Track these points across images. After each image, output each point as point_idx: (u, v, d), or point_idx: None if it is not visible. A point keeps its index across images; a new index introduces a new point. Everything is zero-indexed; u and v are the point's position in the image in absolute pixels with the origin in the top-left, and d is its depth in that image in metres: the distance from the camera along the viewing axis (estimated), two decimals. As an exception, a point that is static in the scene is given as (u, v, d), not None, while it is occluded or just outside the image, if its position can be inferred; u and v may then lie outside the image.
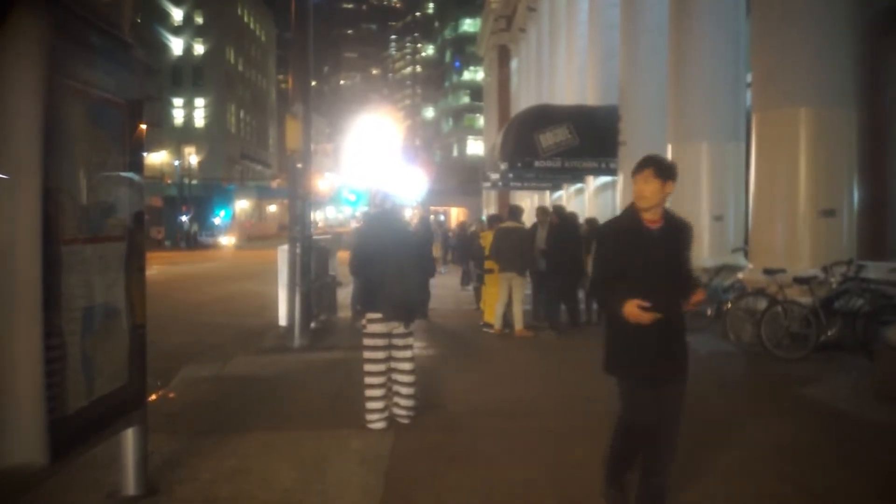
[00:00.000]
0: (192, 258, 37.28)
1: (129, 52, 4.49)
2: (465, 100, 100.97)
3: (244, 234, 62.95)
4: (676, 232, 4.12)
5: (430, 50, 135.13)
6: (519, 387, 8.11)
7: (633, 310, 3.87)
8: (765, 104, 10.76)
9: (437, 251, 25.64)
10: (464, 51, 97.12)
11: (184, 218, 54.96)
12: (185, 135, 76.29)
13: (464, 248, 15.38)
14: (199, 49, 77.67)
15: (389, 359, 6.51)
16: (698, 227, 13.13)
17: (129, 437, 4.55)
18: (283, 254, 11.34)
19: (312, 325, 11.33)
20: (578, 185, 24.15)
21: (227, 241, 56.79)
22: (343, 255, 13.60)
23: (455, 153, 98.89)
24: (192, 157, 73.21)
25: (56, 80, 3.63)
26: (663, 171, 4.02)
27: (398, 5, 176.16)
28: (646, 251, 3.99)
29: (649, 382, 4.09)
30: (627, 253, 4.01)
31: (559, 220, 12.45)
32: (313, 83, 13.30)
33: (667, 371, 4.07)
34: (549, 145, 18.26)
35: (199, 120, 78.32)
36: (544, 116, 19.19)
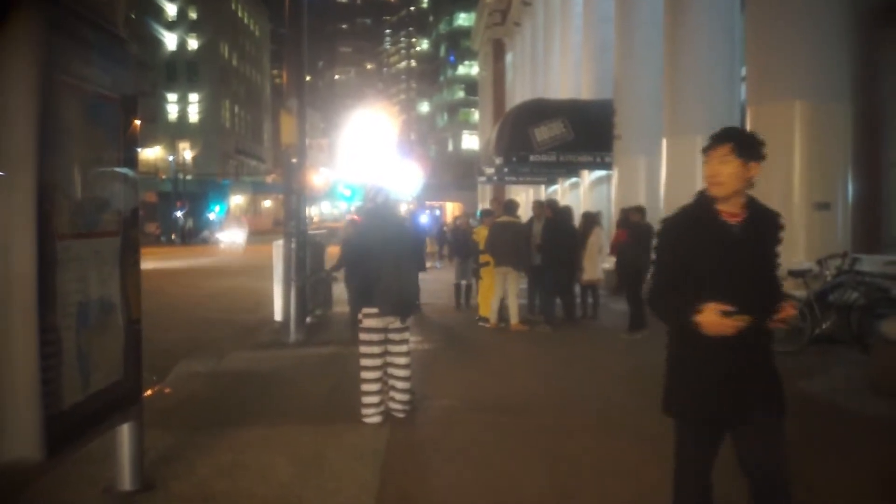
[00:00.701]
0: (186, 253, 37.19)
1: (124, 48, 4.48)
2: (460, 94, 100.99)
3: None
4: (763, 228, 3.15)
5: (424, 44, 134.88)
6: (514, 381, 8.13)
7: (713, 317, 2.90)
8: (760, 98, 10.78)
9: (431, 246, 25.50)
10: (458, 45, 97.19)
11: (178, 213, 54.81)
12: (180, 130, 76.15)
13: (458, 244, 15.23)
14: (193, 44, 77.44)
15: (385, 353, 6.52)
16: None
17: (125, 432, 4.55)
18: (278, 249, 11.34)
19: (308, 320, 11.33)
20: (573, 180, 24.19)
21: (230, 237, 46.03)
22: (333, 251, 13.58)
23: (450, 148, 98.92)
24: (187, 153, 73.01)
25: (51, 75, 3.63)
26: (746, 148, 3.06)
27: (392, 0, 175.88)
28: (722, 253, 3.05)
29: (718, 424, 3.15)
30: (697, 255, 3.07)
31: (553, 214, 12.46)
32: (308, 78, 13.28)
33: (748, 408, 3.07)
34: (544, 139, 18.29)
35: (194, 115, 78.16)
36: (539, 111, 19.22)
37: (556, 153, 18.46)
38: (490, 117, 46.77)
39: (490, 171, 25.41)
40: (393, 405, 6.50)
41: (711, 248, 3.06)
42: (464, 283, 14.64)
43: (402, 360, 6.55)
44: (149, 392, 7.24)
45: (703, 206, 3.14)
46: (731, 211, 3.09)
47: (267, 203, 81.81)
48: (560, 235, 11.96)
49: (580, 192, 22.54)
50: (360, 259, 6.52)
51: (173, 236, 52.59)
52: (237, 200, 70.98)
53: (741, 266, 3.05)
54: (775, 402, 3.13)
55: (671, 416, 3.22)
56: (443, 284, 17.77)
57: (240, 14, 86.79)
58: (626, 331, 10.90)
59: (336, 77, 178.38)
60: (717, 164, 3.05)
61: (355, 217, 12.15)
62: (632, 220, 11.52)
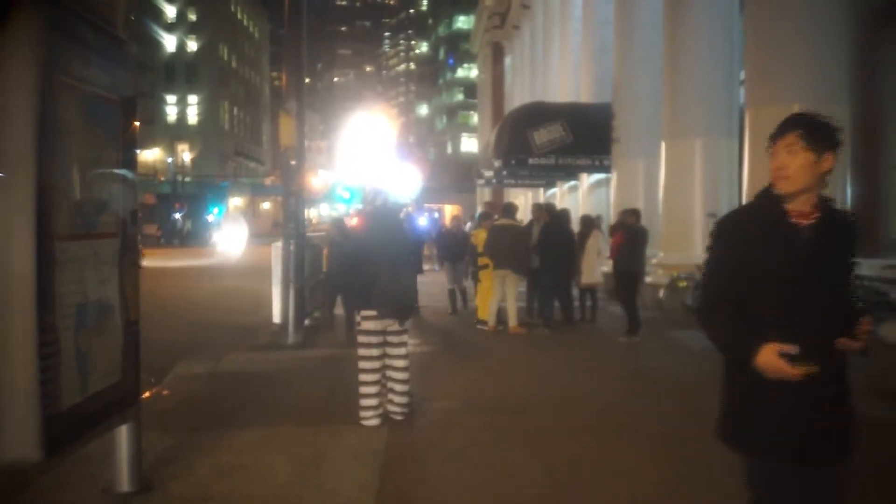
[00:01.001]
0: (185, 255, 37.14)
1: (123, 49, 4.48)
2: (459, 97, 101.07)
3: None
4: (838, 231, 2.66)
5: (423, 47, 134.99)
6: (513, 383, 8.13)
7: (773, 360, 2.46)
8: (758, 101, 10.80)
9: (428, 249, 25.39)
10: (458, 48, 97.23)
11: (177, 215, 54.74)
12: (179, 132, 76.18)
13: (448, 248, 14.80)
14: (192, 46, 77.50)
15: (384, 356, 6.52)
16: (691, 224, 13.36)
17: (124, 433, 4.55)
18: (277, 251, 11.33)
19: (306, 322, 11.33)
20: (572, 183, 24.20)
21: (227, 240, 40.69)
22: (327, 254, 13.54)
23: (449, 150, 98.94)
24: (186, 154, 73.08)
25: (51, 76, 3.63)
26: (817, 136, 2.65)
27: (392, 2, 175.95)
28: (790, 259, 2.58)
29: (796, 461, 2.62)
30: (759, 261, 2.59)
31: (550, 217, 12.45)
32: (307, 80, 13.29)
33: (822, 445, 2.61)
34: (543, 142, 18.31)
35: (193, 117, 78.17)
36: (538, 114, 19.23)
37: (555, 156, 18.48)
38: (489, 120, 46.79)
39: (489, 173, 25.40)
40: (391, 407, 6.49)
41: (777, 254, 2.59)
42: (457, 286, 14.38)
43: (401, 363, 6.55)
44: (147, 393, 7.23)
45: (767, 204, 2.67)
46: (801, 210, 2.63)
47: (266, 205, 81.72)
48: (556, 238, 11.93)
49: (579, 196, 22.55)
50: (358, 261, 6.52)
51: (173, 238, 52.40)
52: (236, 202, 71.00)
53: (812, 275, 2.58)
54: (844, 442, 2.65)
55: (731, 445, 2.75)
56: (441, 287, 17.76)
57: (239, 16, 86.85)
58: (624, 334, 10.91)
59: (335, 79, 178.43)
60: (783, 156, 2.62)
61: (339, 219, 12.17)
62: (627, 222, 11.53)
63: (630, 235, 11.26)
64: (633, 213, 11.55)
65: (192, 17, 77.45)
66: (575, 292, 12.65)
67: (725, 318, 2.65)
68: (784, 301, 2.57)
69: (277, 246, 11.30)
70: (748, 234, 2.63)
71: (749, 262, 2.60)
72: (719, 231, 2.72)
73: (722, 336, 2.67)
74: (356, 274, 6.62)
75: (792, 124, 2.67)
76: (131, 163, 4.63)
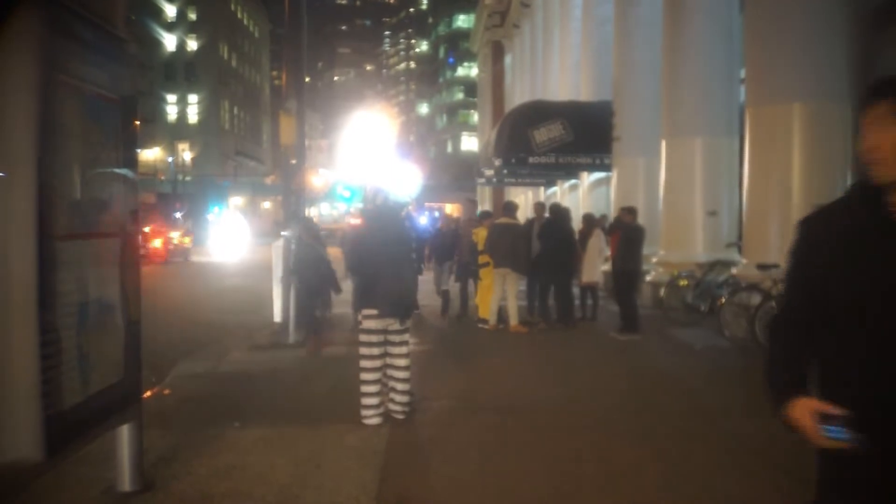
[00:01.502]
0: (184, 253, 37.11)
1: (123, 48, 4.48)
2: (460, 96, 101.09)
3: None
4: None
5: (424, 46, 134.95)
6: (513, 382, 8.13)
7: (804, 420, 2.04)
8: (758, 99, 10.80)
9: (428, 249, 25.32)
10: (458, 47, 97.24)
11: (177, 215, 54.71)
12: (179, 131, 76.07)
13: (439, 248, 14.39)
14: (192, 45, 77.38)
15: (385, 355, 6.52)
16: (692, 222, 13.34)
17: (125, 432, 4.55)
18: (277, 250, 11.32)
19: (307, 321, 11.31)
20: (573, 181, 24.19)
21: (223, 245, 39.14)
22: (331, 252, 13.48)
23: (449, 149, 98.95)
24: (186, 154, 73.03)
25: (51, 75, 3.63)
26: None
27: (392, 1, 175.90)
28: (891, 267, 1.99)
29: None
30: (850, 269, 2.04)
31: (551, 215, 12.42)
32: (307, 79, 13.29)
33: None
34: (543, 141, 18.31)
35: (193, 116, 78.04)
36: (538, 112, 19.24)
37: (555, 155, 18.48)
38: (489, 119, 46.73)
39: (489, 172, 25.39)
40: (392, 406, 6.49)
41: (874, 261, 2.01)
42: (443, 288, 13.89)
43: (402, 362, 6.55)
44: (148, 393, 7.23)
45: (862, 198, 2.09)
46: None
47: (266, 204, 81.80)
48: (554, 236, 11.89)
49: (579, 194, 22.55)
50: (362, 260, 6.53)
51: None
52: (236, 202, 71.02)
53: None
54: None
55: None
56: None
57: (239, 15, 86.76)
58: (617, 330, 10.93)
59: (335, 78, 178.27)
60: (875, 132, 2.01)
61: (308, 218, 11.90)
62: (624, 220, 11.53)
63: (627, 234, 11.26)
64: (630, 212, 11.54)
65: (192, 16, 77.35)
66: (576, 291, 12.64)
67: (786, 345, 2.19)
68: (878, 318, 2.00)
69: (278, 245, 11.29)
70: (837, 235, 2.10)
71: (836, 270, 2.07)
72: (803, 233, 2.20)
73: (769, 365, 2.21)
74: (356, 273, 6.62)
75: (881, 91, 2.03)
76: (132, 162, 4.63)
